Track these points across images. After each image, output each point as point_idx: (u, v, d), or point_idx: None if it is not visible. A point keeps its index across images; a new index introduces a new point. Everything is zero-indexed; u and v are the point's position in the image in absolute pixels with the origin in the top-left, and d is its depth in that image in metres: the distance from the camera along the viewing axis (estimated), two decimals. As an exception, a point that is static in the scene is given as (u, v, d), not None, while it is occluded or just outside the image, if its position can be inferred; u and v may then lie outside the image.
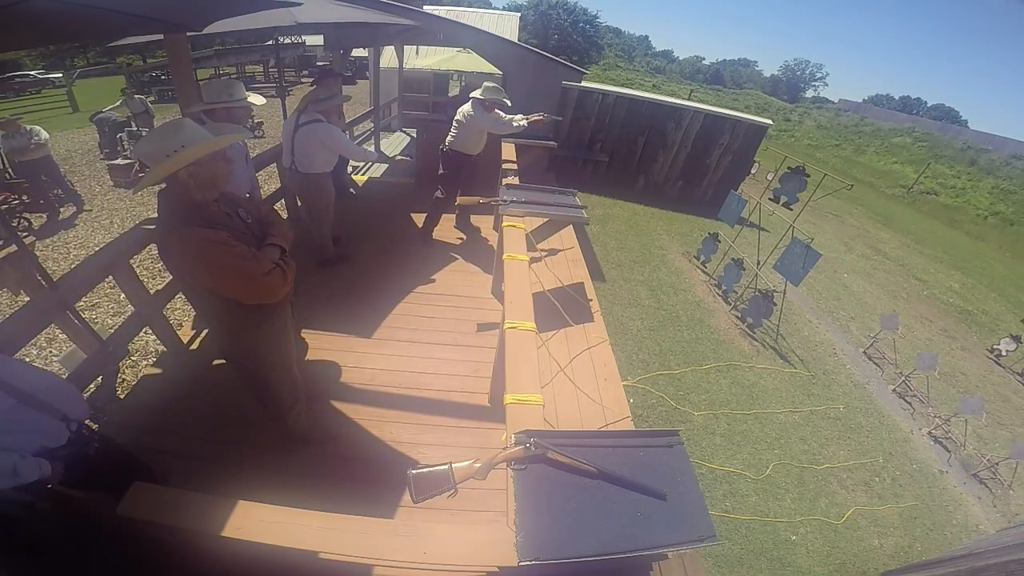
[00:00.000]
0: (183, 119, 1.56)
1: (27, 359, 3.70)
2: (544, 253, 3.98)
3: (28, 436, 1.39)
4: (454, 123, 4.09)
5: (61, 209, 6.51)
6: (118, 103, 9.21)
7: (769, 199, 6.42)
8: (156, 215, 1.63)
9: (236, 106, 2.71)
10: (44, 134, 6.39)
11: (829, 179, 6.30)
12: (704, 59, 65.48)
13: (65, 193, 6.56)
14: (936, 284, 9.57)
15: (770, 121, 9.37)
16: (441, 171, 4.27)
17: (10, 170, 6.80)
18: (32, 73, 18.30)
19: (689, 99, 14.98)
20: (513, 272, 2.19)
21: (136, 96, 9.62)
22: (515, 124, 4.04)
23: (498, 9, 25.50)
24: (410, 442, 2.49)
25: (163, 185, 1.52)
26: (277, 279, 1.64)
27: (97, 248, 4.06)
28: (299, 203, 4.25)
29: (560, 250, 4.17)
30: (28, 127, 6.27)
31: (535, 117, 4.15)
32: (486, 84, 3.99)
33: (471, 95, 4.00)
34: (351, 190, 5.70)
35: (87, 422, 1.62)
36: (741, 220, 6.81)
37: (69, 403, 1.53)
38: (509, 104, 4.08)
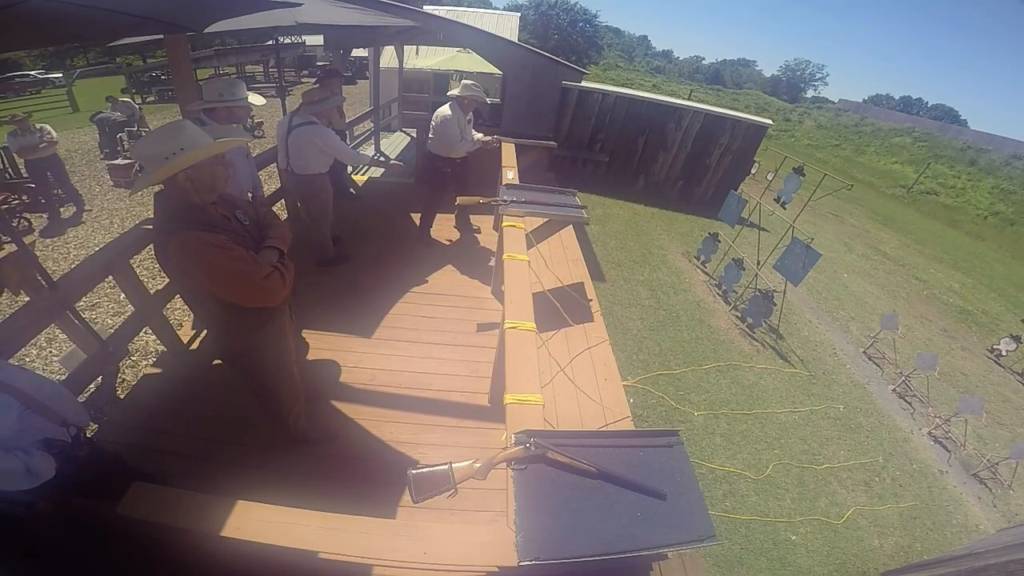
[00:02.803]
0: (183, 121, 1.55)
1: (27, 359, 3.70)
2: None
3: (34, 443, 1.40)
4: (431, 126, 4.01)
5: (62, 209, 6.51)
6: (107, 109, 9.18)
7: (773, 199, 6.43)
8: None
9: (236, 105, 2.71)
10: (53, 133, 6.38)
11: (829, 179, 6.31)
12: (704, 59, 65.60)
13: (67, 193, 6.56)
14: (936, 284, 9.56)
15: (770, 121, 9.37)
16: (426, 173, 4.26)
17: (10, 170, 6.81)
18: (32, 73, 18.32)
19: (689, 99, 14.98)
20: (513, 272, 2.19)
21: (122, 100, 9.60)
22: (470, 141, 3.97)
23: (498, 9, 25.51)
24: (410, 442, 2.49)
25: (161, 186, 1.52)
26: (276, 282, 1.63)
27: (97, 248, 4.06)
28: (298, 204, 4.25)
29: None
30: (38, 125, 6.27)
31: (486, 139, 4.11)
32: (464, 81, 3.92)
33: (448, 92, 3.95)
34: (351, 190, 5.70)
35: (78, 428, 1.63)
36: (741, 220, 6.81)
37: (70, 409, 1.53)
38: (488, 102, 4.01)
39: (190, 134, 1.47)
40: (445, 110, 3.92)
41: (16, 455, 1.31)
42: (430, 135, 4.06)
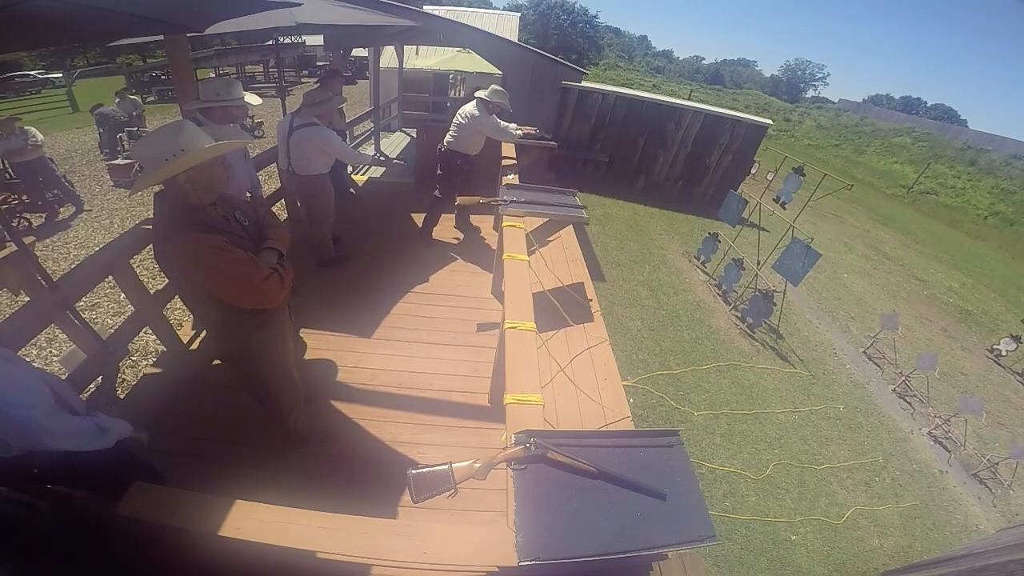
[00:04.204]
0: (184, 122, 1.54)
1: (27, 359, 3.69)
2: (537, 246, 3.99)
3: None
4: (453, 123, 4.09)
5: (61, 209, 6.51)
6: (114, 104, 9.23)
7: (772, 199, 6.43)
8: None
9: (233, 105, 2.72)
10: (40, 135, 6.37)
11: (829, 179, 6.31)
12: (704, 59, 65.54)
13: (63, 193, 6.54)
14: (936, 284, 9.56)
15: (770, 121, 9.37)
16: (439, 171, 4.27)
17: (10, 170, 6.81)
18: (32, 73, 18.32)
19: (689, 99, 14.98)
20: (513, 272, 2.19)
21: (130, 96, 9.65)
22: (512, 132, 4.07)
23: (498, 9, 25.49)
24: (410, 442, 2.49)
25: (160, 186, 1.52)
26: (275, 284, 1.62)
27: (97, 248, 4.06)
28: (299, 204, 4.25)
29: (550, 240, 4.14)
30: (24, 128, 6.25)
31: (528, 130, 4.18)
32: (494, 87, 4.01)
33: (476, 94, 4.01)
34: (351, 190, 5.70)
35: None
36: (741, 220, 6.81)
37: (76, 401, 1.55)
38: (511, 111, 4.11)
39: (190, 135, 1.47)
40: (473, 109, 3.96)
41: (84, 419, 1.41)
42: (452, 132, 4.09)
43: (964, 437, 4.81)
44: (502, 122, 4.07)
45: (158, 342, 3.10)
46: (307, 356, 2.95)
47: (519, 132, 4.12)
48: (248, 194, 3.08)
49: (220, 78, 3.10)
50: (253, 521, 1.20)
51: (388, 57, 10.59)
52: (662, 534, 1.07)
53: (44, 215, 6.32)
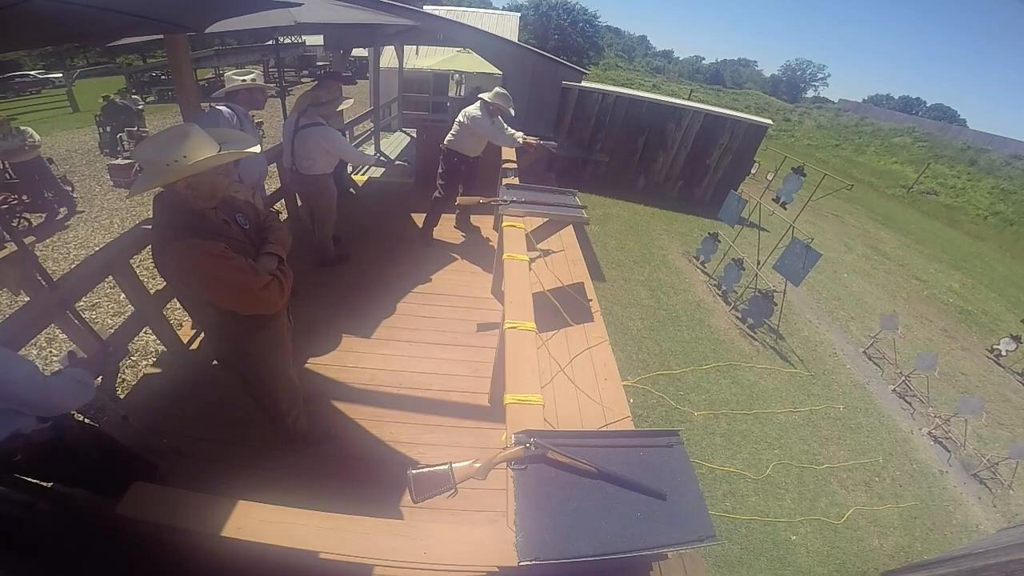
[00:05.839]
0: (190, 126, 1.51)
1: (27, 359, 3.69)
2: (540, 253, 3.99)
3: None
4: (455, 123, 4.08)
5: (61, 209, 6.50)
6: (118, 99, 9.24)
7: (772, 199, 6.43)
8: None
9: (256, 88, 3.11)
10: (36, 136, 6.38)
11: (829, 179, 6.31)
12: (704, 59, 65.54)
13: (57, 195, 6.52)
14: (936, 284, 9.56)
15: (770, 121, 9.36)
16: (440, 169, 4.27)
17: (10, 170, 6.80)
18: (32, 73, 18.27)
19: (689, 99, 14.98)
20: (513, 272, 2.19)
21: (133, 95, 9.67)
22: (514, 138, 4.05)
23: (498, 9, 25.48)
24: (410, 442, 2.50)
25: (160, 188, 1.51)
26: (275, 292, 1.61)
27: (97, 248, 4.05)
28: (300, 203, 4.25)
29: (555, 251, 4.15)
30: (20, 128, 6.25)
31: (531, 139, 4.14)
32: (497, 90, 4.00)
33: (479, 96, 4.00)
34: (351, 190, 5.70)
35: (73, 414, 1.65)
36: (741, 220, 6.81)
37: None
38: (513, 115, 4.10)
39: (194, 142, 1.43)
40: (475, 110, 3.95)
41: (63, 374, 1.46)
42: (453, 131, 4.08)
43: (964, 437, 4.81)
44: (507, 126, 4.04)
45: (158, 342, 3.10)
46: (305, 356, 2.94)
47: (520, 139, 4.08)
48: (254, 191, 3.10)
49: (243, 69, 3.36)
50: (253, 521, 1.20)
51: (388, 57, 10.59)
52: (662, 534, 1.07)
53: (44, 215, 6.31)
